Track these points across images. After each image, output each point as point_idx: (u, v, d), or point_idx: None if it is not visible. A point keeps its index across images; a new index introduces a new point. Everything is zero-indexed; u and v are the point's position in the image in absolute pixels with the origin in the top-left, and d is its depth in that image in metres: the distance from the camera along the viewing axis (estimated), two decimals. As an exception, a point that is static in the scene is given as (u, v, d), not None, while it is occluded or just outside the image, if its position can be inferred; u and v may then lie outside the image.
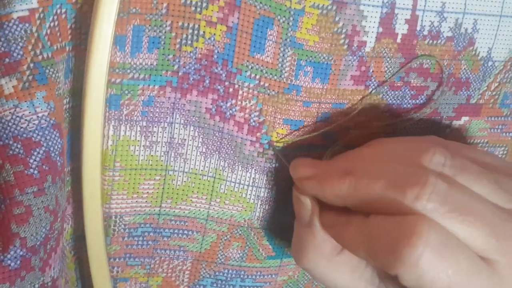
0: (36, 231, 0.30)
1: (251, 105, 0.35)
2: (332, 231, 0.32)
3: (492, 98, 0.39)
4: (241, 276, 0.40)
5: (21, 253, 0.29)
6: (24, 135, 0.29)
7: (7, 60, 0.28)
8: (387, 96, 0.37)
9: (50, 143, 0.30)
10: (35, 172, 0.29)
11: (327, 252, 0.32)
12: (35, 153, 0.29)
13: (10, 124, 0.29)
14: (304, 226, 0.33)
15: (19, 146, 0.29)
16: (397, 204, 0.29)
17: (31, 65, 0.29)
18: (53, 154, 0.30)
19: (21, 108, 0.28)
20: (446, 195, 0.28)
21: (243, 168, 0.36)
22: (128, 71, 0.32)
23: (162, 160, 0.35)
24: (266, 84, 0.34)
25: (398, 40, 0.35)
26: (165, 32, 0.32)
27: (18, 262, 0.29)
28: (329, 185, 0.32)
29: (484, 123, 0.40)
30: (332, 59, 0.34)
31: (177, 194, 0.36)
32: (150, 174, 0.35)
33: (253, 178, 0.36)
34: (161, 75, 0.33)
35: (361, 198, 0.30)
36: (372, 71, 0.36)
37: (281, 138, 0.36)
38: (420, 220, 0.28)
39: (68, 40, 0.31)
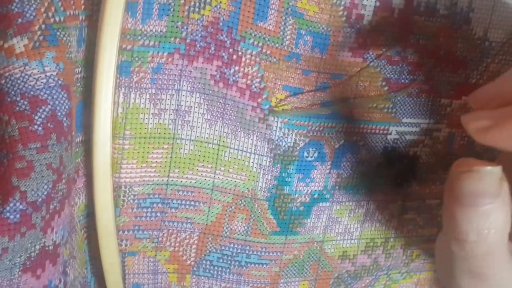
0: (37, 187, 0.30)
1: (253, 72, 0.36)
2: None
3: (491, 79, 0.40)
4: (247, 252, 0.40)
5: (21, 206, 0.29)
6: (32, 93, 0.29)
7: (19, 20, 0.29)
8: (385, 70, 0.38)
9: (56, 102, 0.30)
10: (39, 128, 0.30)
11: None
12: (41, 111, 0.30)
13: (18, 81, 0.29)
14: (481, 202, 0.28)
15: (25, 103, 0.29)
16: None
17: (43, 26, 0.30)
18: (59, 114, 0.31)
19: (30, 67, 0.29)
20: None
21: (245, 134, 0.37)
22: (139, 37, 0.34)
23: (170, 128, 0.36)
24: (268, 52, 0.35)
25: (395, 15, 0.37)
26: None
27: (18, 215, 0.29)
28: None
29: None
30: (330, 30, 0.36)
31: (184, 163, 0.37)
32: (158, 143, 0.36)
33: (254, 145, 0.37)
34: (170, 42, 0.34)
35: None
36: (370, 44, 0.37)
37: (279, 103, 0.36)
38: None
39: (81, 9, 0.32)
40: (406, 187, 0.42)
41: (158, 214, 0.38)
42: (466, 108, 0.41)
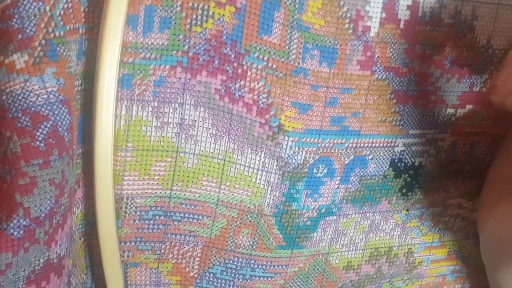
0: (40, 203, 0.29)
1: (260, 87, 0.35)
2: None
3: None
4: (251, 265, 0.39)
5: (24, 222, 0.29)
6: (33, 109, 0.29)
7: (20, 36, 0.28)
8: (393, 82, 0.37)
9: (58, 117, 0.30)
10: (41, 144, 0.29)
11: None
12: (42, 127, 0.29)
13: (19, 97, 0.29)
14: None
15: (27, 119, 0.29)
16: None
17: (43, 41, 0.29)
18: (60, 129, 0.30)
19: (31, 83, 0.29)
20: None
21: (252, 151, 0.36)
22: (140, 50, 0.33)
23: (173, 142, 0.35)
24: (274, 66, 0.34)
25: (401, 26, 0.36)
26: (175, 12, 0.33)
27: (22, 231, 0.29)
28: None
29: (487, 112, 0.40)
30: (338, 43, 0.35)
31: (187, 176, 0.36)
32: (161, 156, 0.35)
33: (262, 162, 0.36)
34: (171, 55, 0.33)
35: None
36: (378, 57, 0.36)
37: (289, 121, 0.35)
38: None
39: (81, 23, 0.31)
40: (411, 196, 0.41)
41: (161, 227, 0.37)
42: (469, 117, 0.40)
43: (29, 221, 0.29)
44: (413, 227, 0.43)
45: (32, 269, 0.30)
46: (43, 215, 0.30)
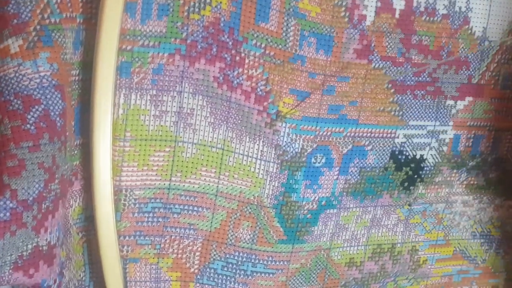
0: (28, 185, 0.29)
1: (258, 74, 0.34)
2: None
3: (493, 79, 0.39)
4: (252, 261, 0.38)
5: (11, 205, 0.28)
6: (25, 92, 0.29)
7: (15, 21, 0.28)
8: (390, 72, 0.37)
9: (50, 102, 0.30)
10: (32, 128, 0.29)
11: None
12: (34, 110, 0.29)
13: (12, 81, 0.29)
14: None
15: (19, 102, 0.29)
16: None
17: (38, 27, 0.29)
18: (52, 113, 0.30)
19: (24, 67, 0.29)
20: None
21: (250, 139, 0.35)
22: (139, 38, 0.33)
23: (171, 131, 0.35)
24: (272, 53, 0.34)
25: (397, 16, 0.36)
26: None
27: (8, 214, 0.28)
28: None
29: (488, 104, 0.39)
30: (334, 31, 0.35)
31: (186, 167, 0.35)
32: (160, 145, 0.35)
33: (261, 150, 0.35)
34: (170, 43, 0.33)
35: None
36: (374, 46, 0.36)
37: (287, 107, 0.35)
38: None
39: (79, 12, 0.31)
40: (413, 191, 0.40)
41: (160, 219, 0.36)
42: (469, 109, 0.39)
43: (16, 204, 0.29)
44: (417, 224, 0.41)
45: (19, 254, 0.29)
46: (31, 198, 0.29)
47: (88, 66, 0.33)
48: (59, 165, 0.31)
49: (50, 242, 0.31)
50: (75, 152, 0.34)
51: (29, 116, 0.29)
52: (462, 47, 0.37)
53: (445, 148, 0.40)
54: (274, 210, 0.37)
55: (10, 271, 0.29)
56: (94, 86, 0.32)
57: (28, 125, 0.29)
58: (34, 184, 0.29)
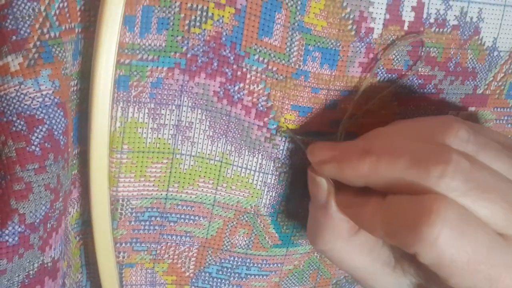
0: (35, 208, 0.29)
1: (259, 89, 0.33)
2: (348, 211, 0.30)
3: (498, 88, 0.38)
4: (247, 264, 0.38)
5: (19, 229, 0.28)
6: (28, 112, 0.28)
7: (14, 37, 0.27)
8: (396, 85, 0.36)
9: (53, 121, 0.29)
10: (37, 149, 0.28)
11: (344, 233, 0.31)
12: (38, 131, 0.28)
13: (14, 101, 0.28)
14: (320, 208, 0.32)
15: (22, 123, 0.28)
16: (418, 182, 0.27)
17: (38, 43, 0.28)
18: (56, 133, 0.29)
19: (25, 85, 0.27)
20: (468, 173, 0.27)
21: (249, 153, 0.35)
22: (137, 51, 0.31)
23: (169, 143, 0.34)
24: (274, 68, 0.33)
25: (405, 28, 0.34)
26: (174, 13, 0.31)
27: (16, 238, 0.28)
28: (349, 165, 0.30)
29: (490, 114, 0.39)
30: (340, 45, 0.33)
31: (184, 178, 0.35)
32: (157, 157, 0.34)
33: (259, 163, 0.35)
34: (169, 57, 0.32)
35: (382, 176, 0.29)
36: (381, 59, 0.34)
37: (288, 123, 0.34)
38: (438, 199, 0.26)
39: (77, 21, 0.30)
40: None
41: (157, 227, 0.36)
42: (471, 119, 0.38)
43: (24, 228, 0.28)
44: None
45: (26, 274, 0.29)
46: (37, 220, 0.29)
47: (86, 76, 0.31)
48: (63, 184, 0.31)
49: (54, 257, 0.31)
50: (74, 161, 0.33)
51: (33, 137, 0.28)
52: (471, 58, 0.36)
53: None
54: (270, 218, 0.37)
55: None
56: (92, 99, 0.31)
57: (33, 147, 0.28)
58: (41, 206, 0.29)
